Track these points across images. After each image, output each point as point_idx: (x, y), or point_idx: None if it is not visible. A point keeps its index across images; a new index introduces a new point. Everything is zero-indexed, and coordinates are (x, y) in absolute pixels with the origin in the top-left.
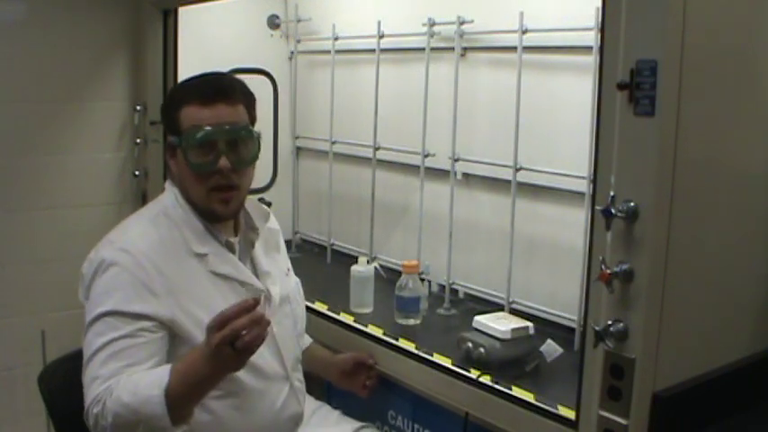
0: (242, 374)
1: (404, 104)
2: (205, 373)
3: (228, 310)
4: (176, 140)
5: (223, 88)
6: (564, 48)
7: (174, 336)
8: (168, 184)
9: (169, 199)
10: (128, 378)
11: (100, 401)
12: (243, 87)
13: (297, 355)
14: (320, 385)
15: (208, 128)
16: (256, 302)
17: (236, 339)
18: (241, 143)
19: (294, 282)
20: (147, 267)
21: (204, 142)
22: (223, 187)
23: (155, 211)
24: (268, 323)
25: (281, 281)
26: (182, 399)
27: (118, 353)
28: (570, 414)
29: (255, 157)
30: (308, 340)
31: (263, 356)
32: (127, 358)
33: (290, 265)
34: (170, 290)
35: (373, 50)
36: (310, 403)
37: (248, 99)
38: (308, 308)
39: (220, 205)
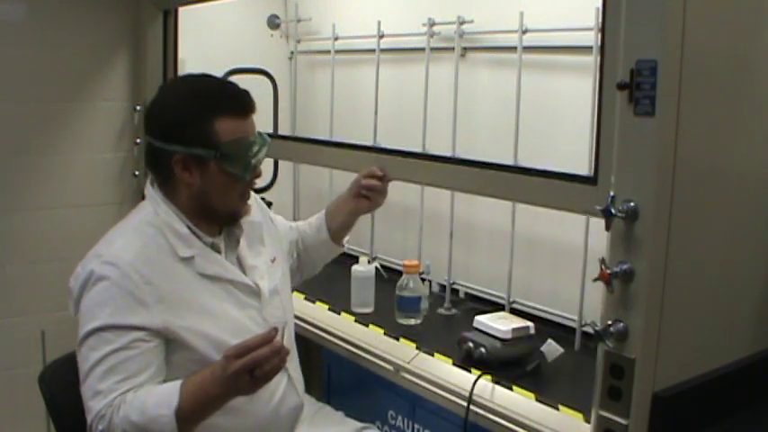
0: None
1: (404, 104)
2: (216, 395)
3: (250, 340)
4: (212, 153)
5: (249, 101)
6: (564, 48)
7: (168, 342)
8: (151, 191)
9: (151, 207)
10: (134, 395)
11: (104, 417)
12: None
13: (289, 345)
14: (320, 386)
15: (252, 139)
16: (276, 332)
17: (255, 368)
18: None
19: (281, 272)
20: (135, 278)
21: (254, 154)
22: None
23: (137, 220)
24: (287, 353)
25: (269, 273)
26: (191, 418)
27: (115, 366)
28: (571, 414)
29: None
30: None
31: None
32: (124, 371)
33: (276, 255)
34: (160, 298)
35: (373, 50)
36: (312, 404)
37: None
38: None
39: (243, 205)
